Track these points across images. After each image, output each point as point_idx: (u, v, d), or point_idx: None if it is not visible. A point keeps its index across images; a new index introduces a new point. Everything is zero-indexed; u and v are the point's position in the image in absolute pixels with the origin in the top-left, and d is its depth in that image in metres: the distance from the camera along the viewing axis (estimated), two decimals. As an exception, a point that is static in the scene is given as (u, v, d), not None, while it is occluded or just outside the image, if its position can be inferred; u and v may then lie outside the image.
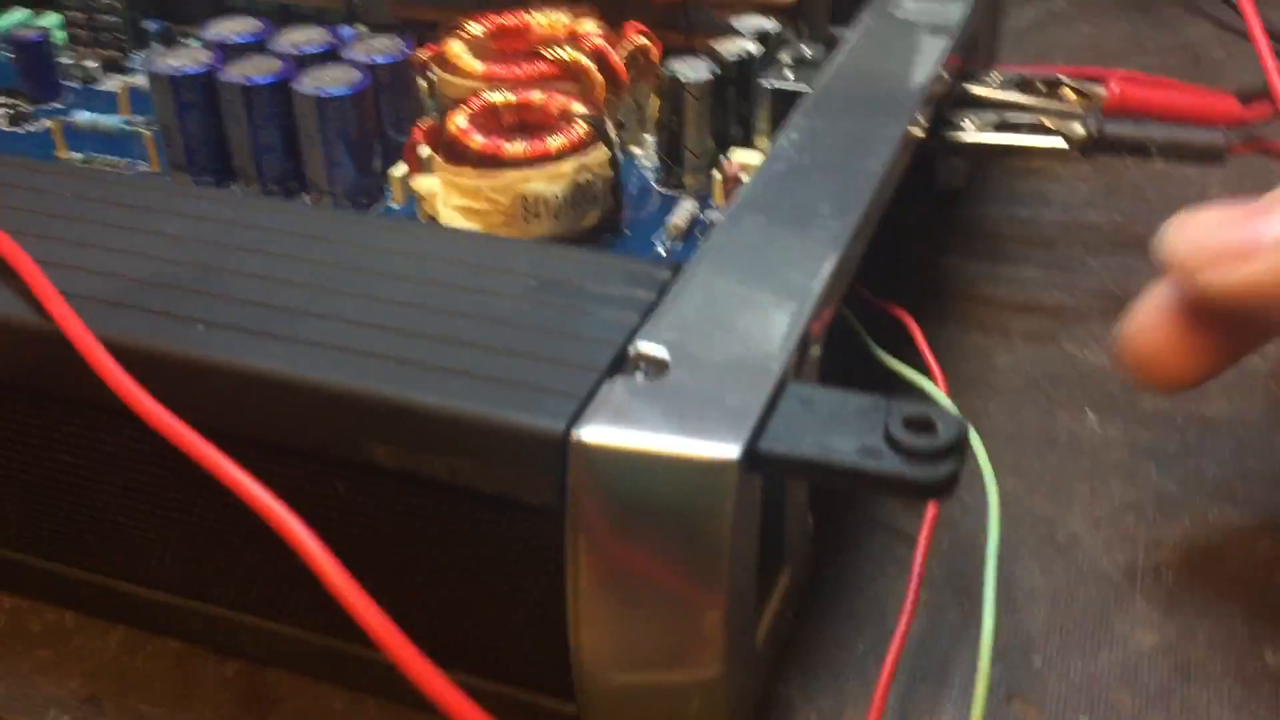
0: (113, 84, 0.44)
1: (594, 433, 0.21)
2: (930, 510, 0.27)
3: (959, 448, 0.21)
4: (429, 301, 0.24)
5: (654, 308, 0.24)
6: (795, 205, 0.28)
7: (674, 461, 0.21)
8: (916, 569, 0.26)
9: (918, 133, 0.33)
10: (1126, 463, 0.33)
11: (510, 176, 0.34)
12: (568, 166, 0.35)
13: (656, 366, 0.23)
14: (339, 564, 0.21)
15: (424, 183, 0.36)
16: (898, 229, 0.32)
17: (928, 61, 0.34)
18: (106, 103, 0.43)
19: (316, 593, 0.21)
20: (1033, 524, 0.31)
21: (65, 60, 0.46)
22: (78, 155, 0.41)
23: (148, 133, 0.39)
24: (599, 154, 0.35)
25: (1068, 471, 0.33)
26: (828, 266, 0.26)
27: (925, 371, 0.30)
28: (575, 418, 0.21)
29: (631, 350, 0.23)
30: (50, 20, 0.48)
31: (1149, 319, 0.26)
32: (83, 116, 0.41)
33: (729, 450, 0.21)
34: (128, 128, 0.41)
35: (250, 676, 0.27)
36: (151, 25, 0.47)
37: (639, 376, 0.23)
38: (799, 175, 0.29)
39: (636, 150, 0.41)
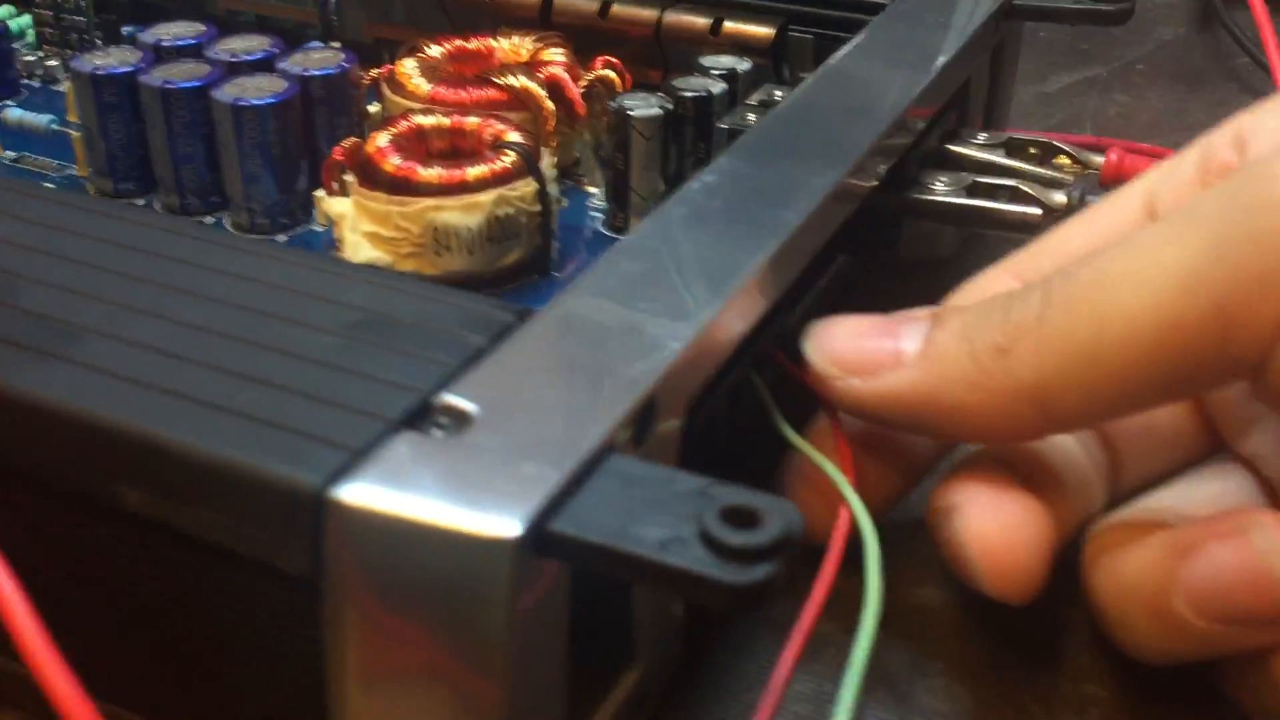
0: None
1: (355, 493, 0.18)
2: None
3: (783, 548, 0.18)
4: (231, 329, 0.21)
5: (482, 355, 0.21)
6: (683, 254, 0.24)
7: (444, 535, 0.18)
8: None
9: (862, 186, 0.29)
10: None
11: (422, 204, 0.32)
12: (486, 198, 0.32)
13: (459, 422, 0.20)
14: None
15: (335, 205, 0.33)
16: (860, 295, 0.28)
17: (888, 110, 0.31)
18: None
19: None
20: (951, 640, 0.27)
21: (30, 59, 0.45)
22: (10, 154, 0.39)
23: (76, 134, 0.37)
24: (525, 187, 0.33)
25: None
26: (699, 325, 0.22)
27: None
28: (339, 474, 0.18)
29: (436, 401, 0.20)
30: (23, 21, 0.46)
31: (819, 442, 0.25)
32: (12, 114, 0.40)
33: (508, 527, 0.18)
34: (55, 128, 0.39)
35: (30, 731, 0.24)
36: (127, 29, 0.46)
37: (435, 432, 0.20)
38: (698, 221, 0.26)
39: (593, 189, 0.39)
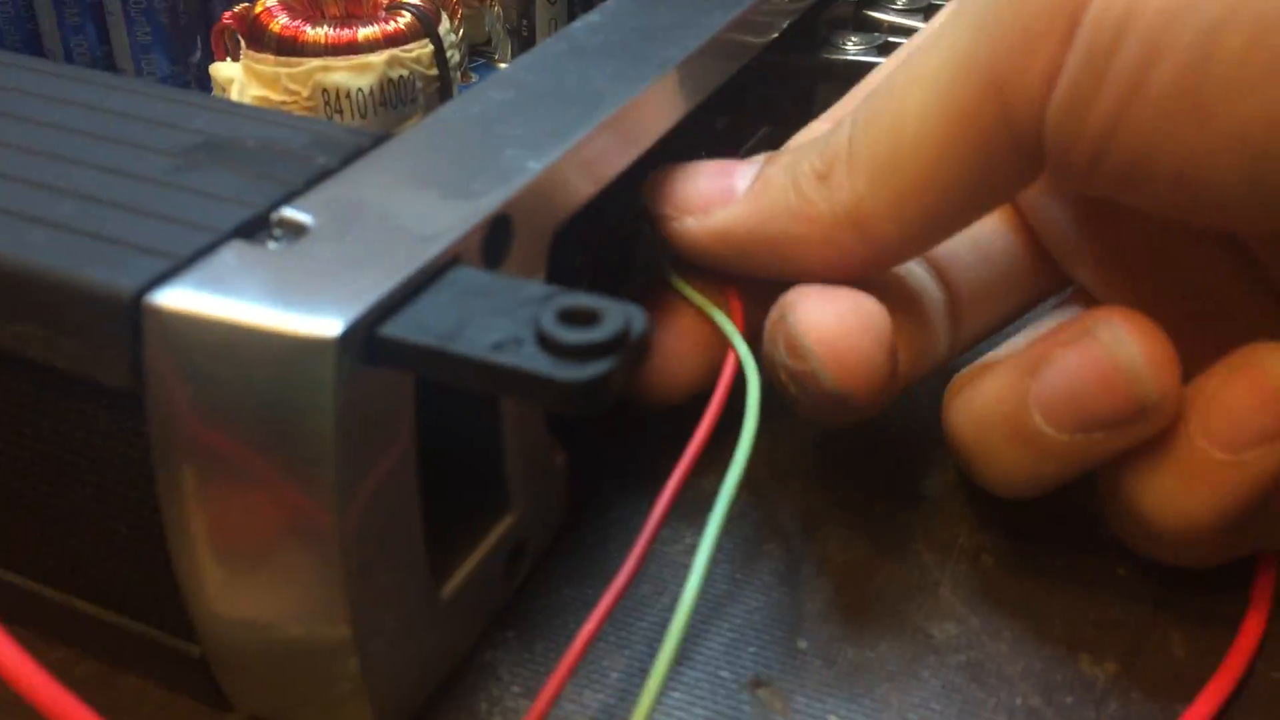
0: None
1: (173, 297, 0.17)
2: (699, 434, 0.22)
3: (621, 345, 0.17)
4: (62, 151, 0.20)
5: (331, 175, 0.20)
6: (556, 85, 0.23)
7: (265, 337, 0.17)
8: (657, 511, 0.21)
9: (756, 39, 0.28)
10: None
11: (311, 65, 0.30)
12: (377, 59, 0.31)
13: (294, 234, 0.19)
14: None
15: (223, 69, 0.32)
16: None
17: (792, -38, 0.30)
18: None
19: None
20: (848, 493, 0.26)
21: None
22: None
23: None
24: (420, 49, 0.31)
25: (901, 442, 0.28)
26: (563, 150, 0.21)
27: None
28: (158, 280, 0.17)
29: (274, 216, 0.19)
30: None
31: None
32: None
33: (328, 327, 0.17)
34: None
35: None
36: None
37: (269, 244, 0.19)
38: (577, 55, 0.24)
39: (503, 65, 0.37)
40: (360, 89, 0.31)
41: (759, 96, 0.32)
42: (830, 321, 0.21)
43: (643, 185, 0.25)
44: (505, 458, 0.22)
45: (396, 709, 0.21)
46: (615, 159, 0.23)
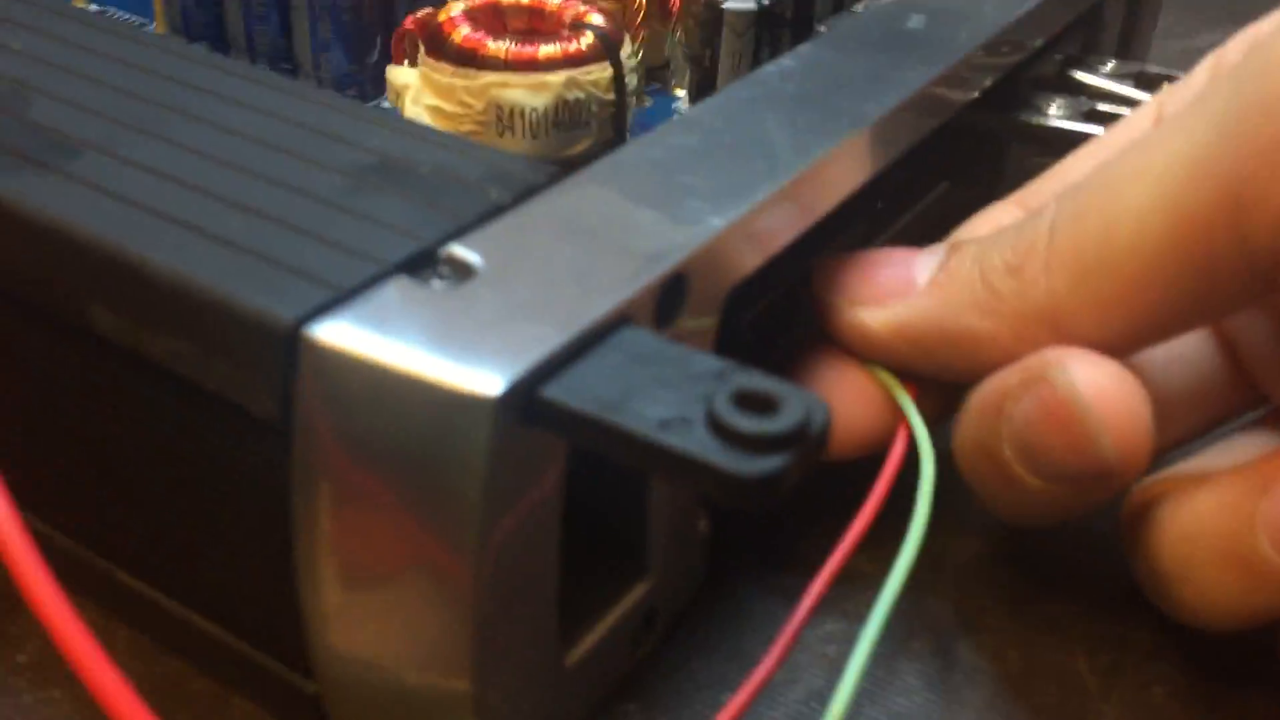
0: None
1: (331, 332, 0.16)
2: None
3: (799, 440, 0.15)
4: (234, 159, 0.20)
5: (501, 212, 0.19)
6: (743, 134, 0.22)
7: (422, 386, 0.16)
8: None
9: (957, 95, 0.26)
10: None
11: (488, 79, 0.30)
12: (555, 79, 0.30)
13: (461, 275, 0.18)
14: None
15: (400, 74, 0.31)
16: (948, 220, 0.26)
17: (997, 18, 0.28)
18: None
19: None
20: (1011, 589, 0.25)
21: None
22: (94, 6, 0.38)
23: (156, -10, 0.36)
24: (599, 73, 0.30)
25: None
26: (747, 208, 0.20)
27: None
28: (317, 312, 0.17)
29: (442, 252, 0.18)
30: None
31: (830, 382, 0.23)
32: (96, -32, 0.39)
33: (489, 385, 0.16)
34: (134, -19, 0.38)
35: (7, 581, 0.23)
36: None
37: (435, 283, 0.18)
38: (769, 103, 0.23)
39: (680, 92, 0.36)
40: (535, 108, 0.30)
41: (944, 153, 0.31)
42: (1111, 383, 0.19)
43: (812, 271, 0.23)
44: (649, 523, 0.21)
45: (508, 775, 0.20)
46: (798, 218, 0.22)
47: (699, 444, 0.15)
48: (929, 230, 0.29)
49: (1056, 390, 0.19)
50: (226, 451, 0.18)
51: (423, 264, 0.18)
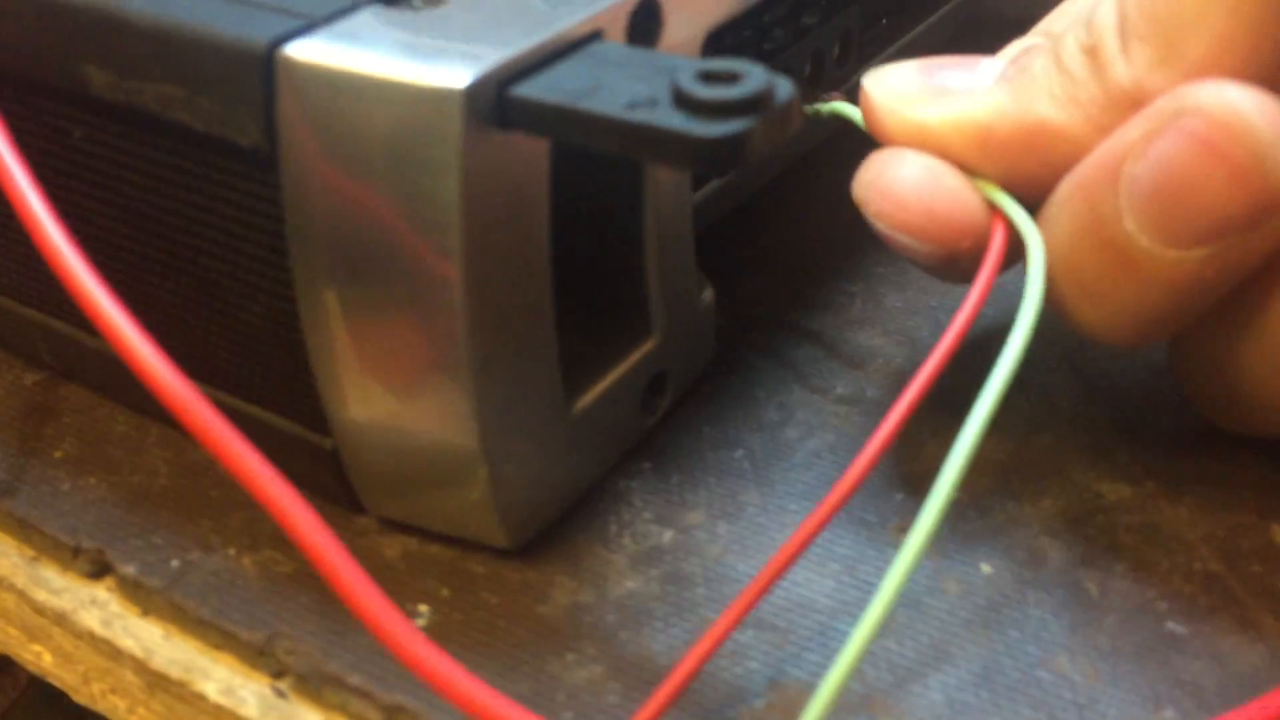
0: None
1: (305, 49, 0.17)
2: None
3: (761, 105, 0.15)
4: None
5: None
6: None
7: (393, 88, 0.16)
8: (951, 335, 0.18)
9: None
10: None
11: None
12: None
13: (433, 2, 0.18)
14: (76, 251, 0.17)
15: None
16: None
17: None
18: None
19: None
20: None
21: None
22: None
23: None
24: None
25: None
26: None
27: None
28: (292, 35, 0.17)
29: (417, -14, 0.18)
30: None
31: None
32: None
33: (456, 79, 0.16)
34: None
35: (47, 389, 0.24)
36: None
37: (407, 11, 0.18)
38: None
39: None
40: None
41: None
42: (1268, 100, 0.17)
43: (864, 79, 0.21)
44: (648, 283, 0.21)
45: (524, 520, 0.20)
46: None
47: (665, 117, 0.15)
48: (936, 49, 0.28)
49: (1211, 115, 0.17)
50: (224, 194, 0.18)
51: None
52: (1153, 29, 0.18)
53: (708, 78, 0.16)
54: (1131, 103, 0.18)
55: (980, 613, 0.19)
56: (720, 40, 0.21)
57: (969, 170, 0.20)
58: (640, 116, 0.16)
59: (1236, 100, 0.17)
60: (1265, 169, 0.17)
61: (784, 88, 0.16)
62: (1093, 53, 0.19)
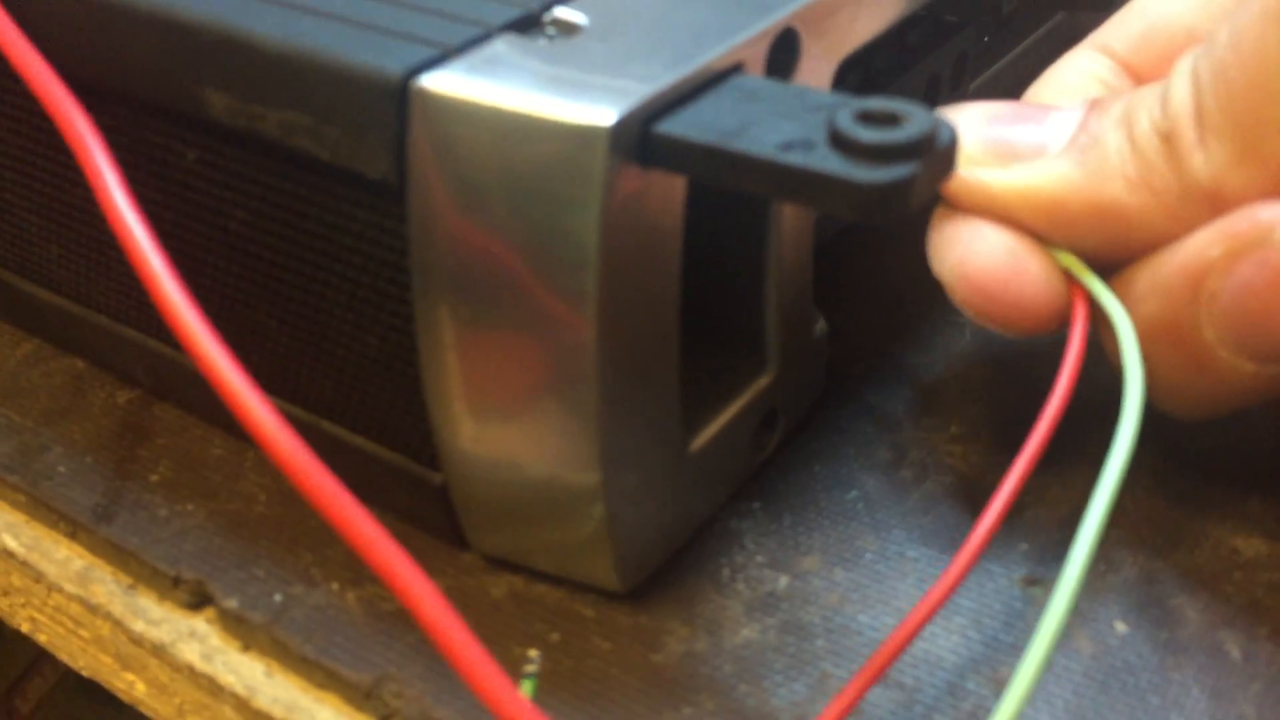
0: None
1: (440, 81, 0.16)
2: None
3: (924, 150, 0.15)
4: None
5: (609, -18, 0.19)
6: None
7: (532, 123, 0.16)
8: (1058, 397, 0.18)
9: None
10: None
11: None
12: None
13: (567, 32, 0.17)
14: (173, 277, 0.17)
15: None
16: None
17: None
18: None
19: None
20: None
21: None
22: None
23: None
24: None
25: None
26: (859, -29, 0.19)
27: None
28: (425, 66, 0.16)
29: (547, 16, 0.18)
30: None
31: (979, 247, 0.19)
32: None
33: (602, 116, 0.15)
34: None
35: (141, 408, 0.24)
36: None
37: (541, 40, 0.17)
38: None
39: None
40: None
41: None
42: None
43: None
44: (766, 317, 0.21)
45: (638, 561, 0.20)
46: (912, -4, 0.21)
47: (822, 160, 0.15)
48: (1036, 68, 0.28)
49: None
50: (345, 224, 0.18)
51: (529, 26, 0.18)
52: (1232, 126, 0.17)
53: (867, 118, 0.15)
54: (1208, 197, 0.18)
55: (1117, 675, 0.18)
56: (854, 74, 0.20)
57: (1040, 238, 0.19)
58: (796, 159, 0.15)
59: None
60: None
61: (946, 130, 0.15)
62: (1169, 139, 0.18)
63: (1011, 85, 0.27)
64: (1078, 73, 0.22)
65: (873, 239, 0.28)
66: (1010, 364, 0.25)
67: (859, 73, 0.23)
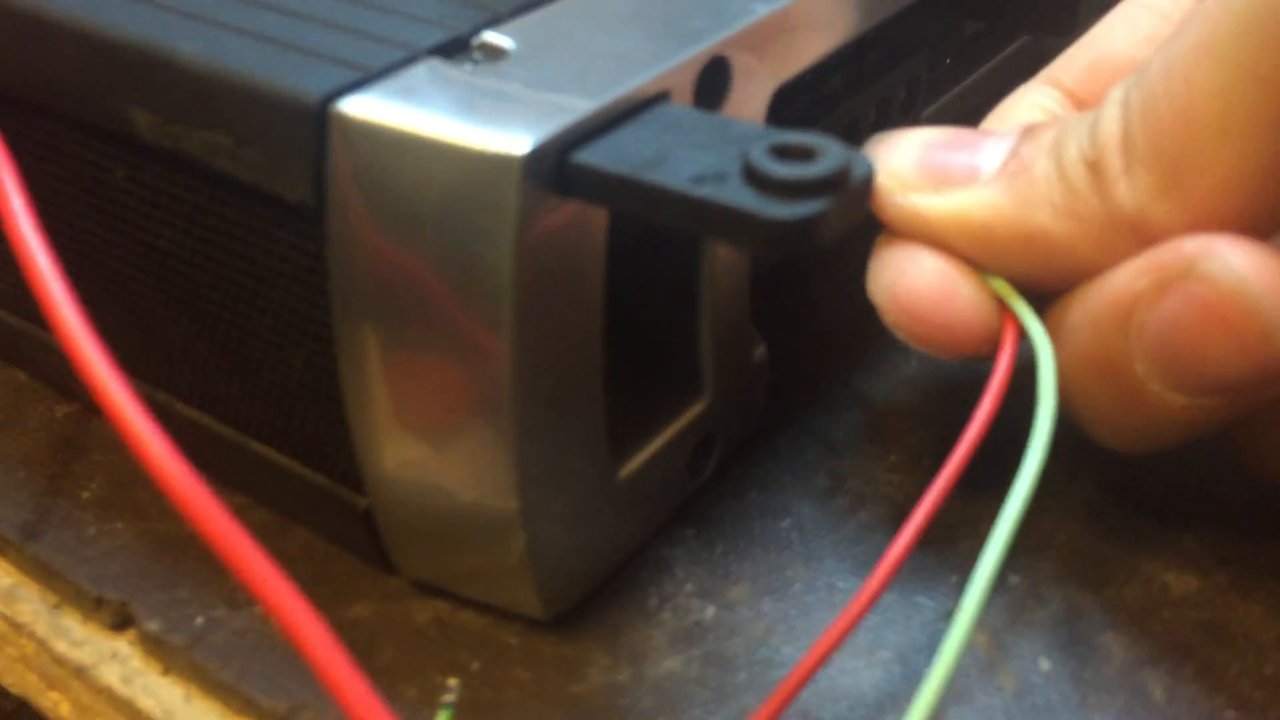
0: None
1: (359, 105, 0.16)
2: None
3: (837, 186, 0.15)
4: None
5: (541, 3, 0.19)
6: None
7: (448, 150, 0.16)
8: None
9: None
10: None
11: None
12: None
13: (493, 57, 0.17)
14: (78, 316, 0.17)
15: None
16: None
17: None
18: None
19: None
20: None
21: None
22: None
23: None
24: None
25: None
26: (795, -2, 0.19)
27: None
28: (345, 89, 0.16)
29: (475, 40, 0.18)
30: None
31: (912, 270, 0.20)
32: None
33: (516, 144, 0.15)
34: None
35: (79, 422, 0.24)
36: None
37: (466, 65, 0.17)
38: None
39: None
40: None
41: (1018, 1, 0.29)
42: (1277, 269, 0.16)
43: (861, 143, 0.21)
44: (701, 343, 0.21)
45: (563, 589, 0.19)
46: (851, 18, 0.21)
47: (734, 194, 0.15)
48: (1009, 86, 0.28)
49: (1217, 285, 0.16)
50: (267, 246, 0.18)
51: (455, 50, 0.18)
52: (1158, 157, 0.17)
53: (781, 152, 0.15)
54: (1133, 227, 0.18)
55: (1038, 715, 0.18)
56: (789, 106, 0.20)
57: (972, 263, 0.19)
58: (708, 193, 0.15)
59: (1242, 271, 0.16)
60: (1271, 339, 0.16)
61: (861, 164, 0.15)
62: (1095, 168, 0.18)
63: (976, 107, 0.27)
64: (1029, 105, 0.22)
65: (820, 264, 0.28)
66: (957, 392, 0.25)
67: (809, 95, 0.23)
